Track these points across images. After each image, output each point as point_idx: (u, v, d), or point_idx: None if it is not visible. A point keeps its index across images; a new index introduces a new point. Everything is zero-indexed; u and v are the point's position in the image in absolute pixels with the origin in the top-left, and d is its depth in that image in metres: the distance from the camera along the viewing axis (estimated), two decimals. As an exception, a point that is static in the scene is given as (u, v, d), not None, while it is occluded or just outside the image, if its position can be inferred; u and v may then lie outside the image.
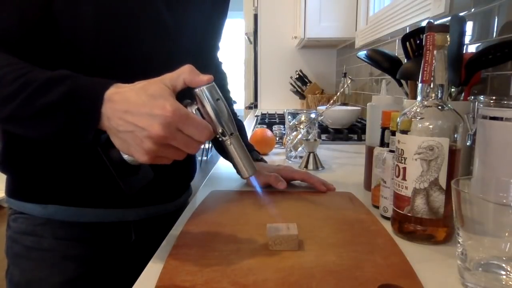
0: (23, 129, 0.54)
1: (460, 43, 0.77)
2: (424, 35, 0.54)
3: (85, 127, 0.48)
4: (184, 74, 0.47)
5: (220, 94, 0.48)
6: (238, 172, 0.53)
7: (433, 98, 0.54)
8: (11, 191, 0.70)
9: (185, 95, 0.48)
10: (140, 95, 0.45)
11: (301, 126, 1.08)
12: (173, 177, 0.78)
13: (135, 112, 0.45)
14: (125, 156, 0.49)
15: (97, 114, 0.47)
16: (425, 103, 0.54)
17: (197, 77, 0.47)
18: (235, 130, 0.50)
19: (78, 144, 0.51)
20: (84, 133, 0.49)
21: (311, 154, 1.02)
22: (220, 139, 0.50)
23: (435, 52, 0.52)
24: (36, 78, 0.50)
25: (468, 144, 0.61)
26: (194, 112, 0.48)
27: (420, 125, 0.54)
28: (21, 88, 0.49)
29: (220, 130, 0.48)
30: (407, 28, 1.35)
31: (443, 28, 0.53)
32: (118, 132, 0.46)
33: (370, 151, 0.77)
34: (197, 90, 0.47)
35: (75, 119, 0.48)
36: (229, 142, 0.50)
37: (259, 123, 1.80)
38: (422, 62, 0.54)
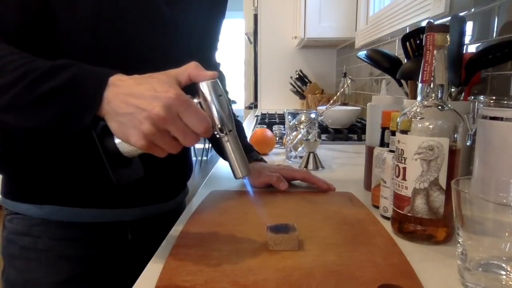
0: (22, 118, 0.53)
1: (460, 43, 0.77)
2: (424, 35, 0.54)
3: (84, 110, 0.48)
4: (190, 68, 0.48)
5: (223, 92, 0.49)
6: (232, 171, 0.53)
7: (433, 98, 0.54)
8: (6, 191, 0.70)
9: (188, 92, 0.48)
10: (145, 81, 0.46)
11: (301, 126, 1.08)
12: (169, 176, 0.78)
13: (138, 95, 0.45)
14: (119, 146, 0.49)
15: (99, 97, 0.47)
16: (425, 103, 0.54)
17: (202, 72, 0.48)
18: (233, 128, 0.50)
19: (73, 133, 0.50)
20: (82, 117, 0.48)
21: (311, 154, 1.02)
22: (217, 135, 0.50)
23: (435, 52, 0.52)
24: (39, 66, 0.50)
25: (468, 144, 0.61)
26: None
27: (420, 125, 0.54)
28: (23, 75, 0.49)
29: (218, 126, 0.49)
30: (407, 28, 1.35)
31: (443, 28, 0.53)
32: (117, 115, 0.47)
33: (370, 151, 0.77)
34: (200, 84, 0.48)
35: (76, 103, 0.48)
36: (226, 139, 0.50)
37: (259, 123, 1.80)
38: (422, 62, 0.54)
